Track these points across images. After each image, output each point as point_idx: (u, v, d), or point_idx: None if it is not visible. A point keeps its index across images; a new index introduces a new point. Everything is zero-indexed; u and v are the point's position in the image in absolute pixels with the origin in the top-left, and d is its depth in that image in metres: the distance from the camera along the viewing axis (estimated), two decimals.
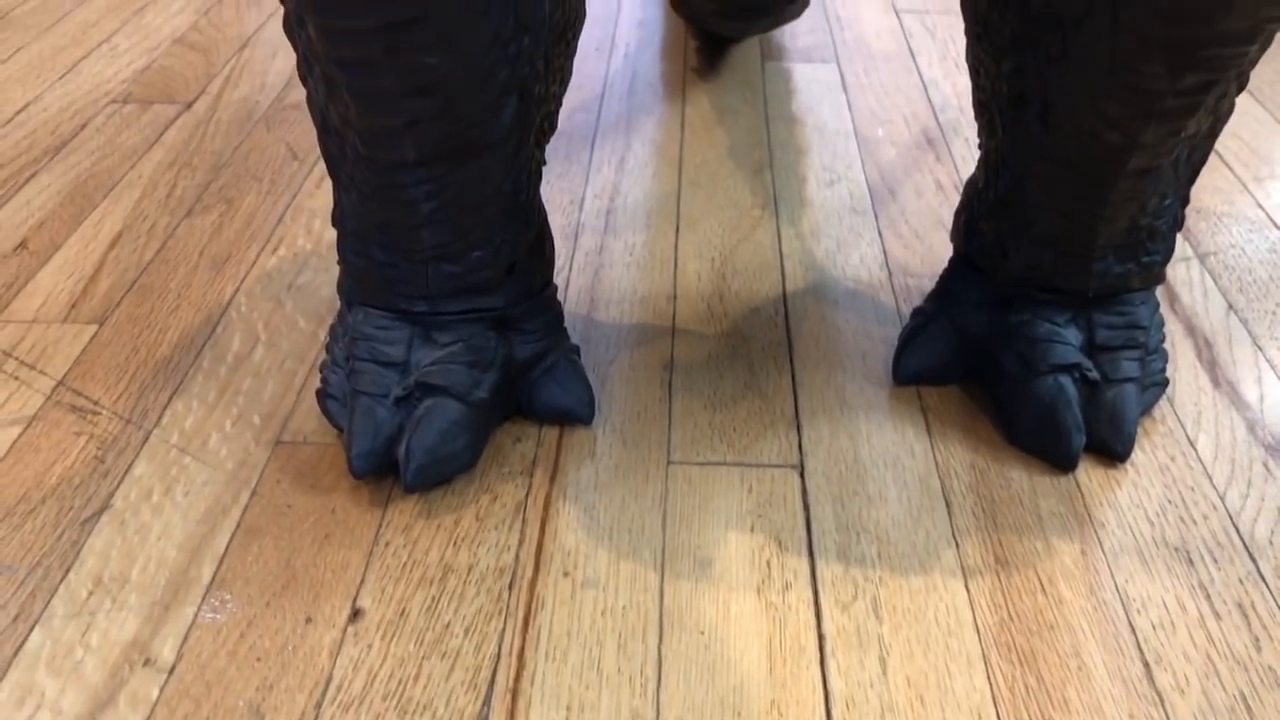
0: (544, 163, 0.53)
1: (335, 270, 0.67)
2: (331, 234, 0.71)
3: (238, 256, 0.68)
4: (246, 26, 1.01)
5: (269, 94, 0.89)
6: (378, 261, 0.51)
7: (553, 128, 0.51)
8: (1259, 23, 0.41)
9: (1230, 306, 0.64)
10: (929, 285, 0.66)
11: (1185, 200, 0.52)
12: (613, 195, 0.76)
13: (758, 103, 0.87)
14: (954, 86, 0.90)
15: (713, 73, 0.92)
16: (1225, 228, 0.72)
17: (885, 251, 0.69)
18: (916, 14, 1.03)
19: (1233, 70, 0.43)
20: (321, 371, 0.55)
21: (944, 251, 0.69)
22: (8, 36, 0.99)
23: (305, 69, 0.47)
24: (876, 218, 0.73)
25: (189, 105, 0.87)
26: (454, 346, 0.51)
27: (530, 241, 0.52)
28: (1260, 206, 0.74)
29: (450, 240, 0.49)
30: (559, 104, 0.51)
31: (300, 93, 0.89)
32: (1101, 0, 0.41)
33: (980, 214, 0.54)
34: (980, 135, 0.54)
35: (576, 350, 0.56)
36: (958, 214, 0.57)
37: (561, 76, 0.49)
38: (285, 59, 0.94)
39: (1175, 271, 0.67)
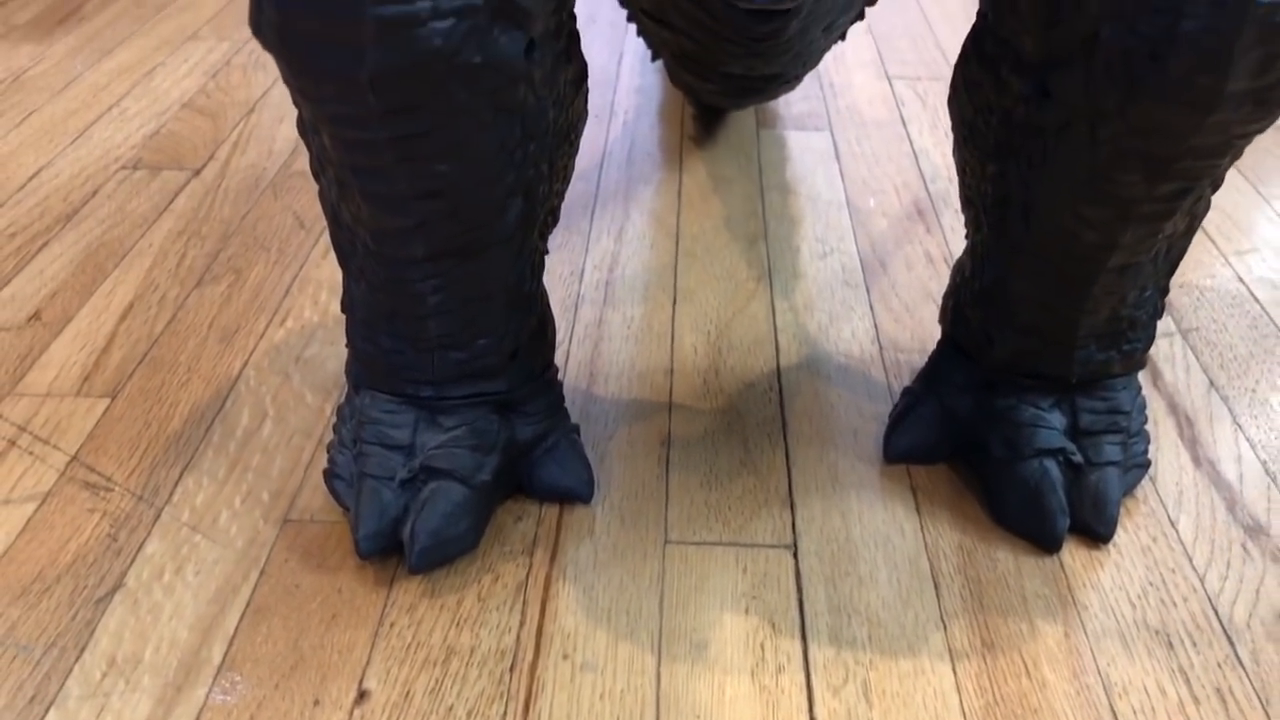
0: (546, 252, 0.55)
1: (341, 343, 0.69)
2: (337, 306, 0.73)
3: (246, 328, 0.70)
4: (253, 91, 1.03)
5: (276, 160, 0.91)
6: (385, 348, 0.53)
7: (555, 220, 0.53)
8: (1229, 139, 0.43)
9: (1211, 383, 0.66)
10: (918, 360, 0.68)
11: (1165, 290, 0.54)
12: (611, 266, 0.77)
13: (753, 172, 0.90)
14: (943, 156, 0.92)
15: (709, 140, 0.94)
16: (1207, 302, 0.74)
17: (876, 325, 0.71)
18: (908, 80, 1.05)
19: (1206, 179, 0.45)
20: (329, 452, 0.56)
21: (933, 326, 0.71)
22: (21, 99, 1.01)
23: (318, 168, 0.49)
24: (868, 291, 0.75)
25: (198, 172, 0.89)
26: (458, 430, 0.53)
27: (533, 327, 0.54)
28: (1241, 280, 0.76)
29: (456, 330, 0.51)
30: (562, 198, 0.53)
31: (305, 160, 0.91)
32: (1080, 114, 0.44)
33: (967, 301, 0.56)
34: (966, 226, 0.56)
35: (576, 429, 0.58)
36: (946, 297, 0.59)
37: (565, 174, 0.51)
38: (291, 124, 0.97)
39: (1158, 347, 0.69)
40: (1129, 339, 0.54)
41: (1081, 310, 0.51)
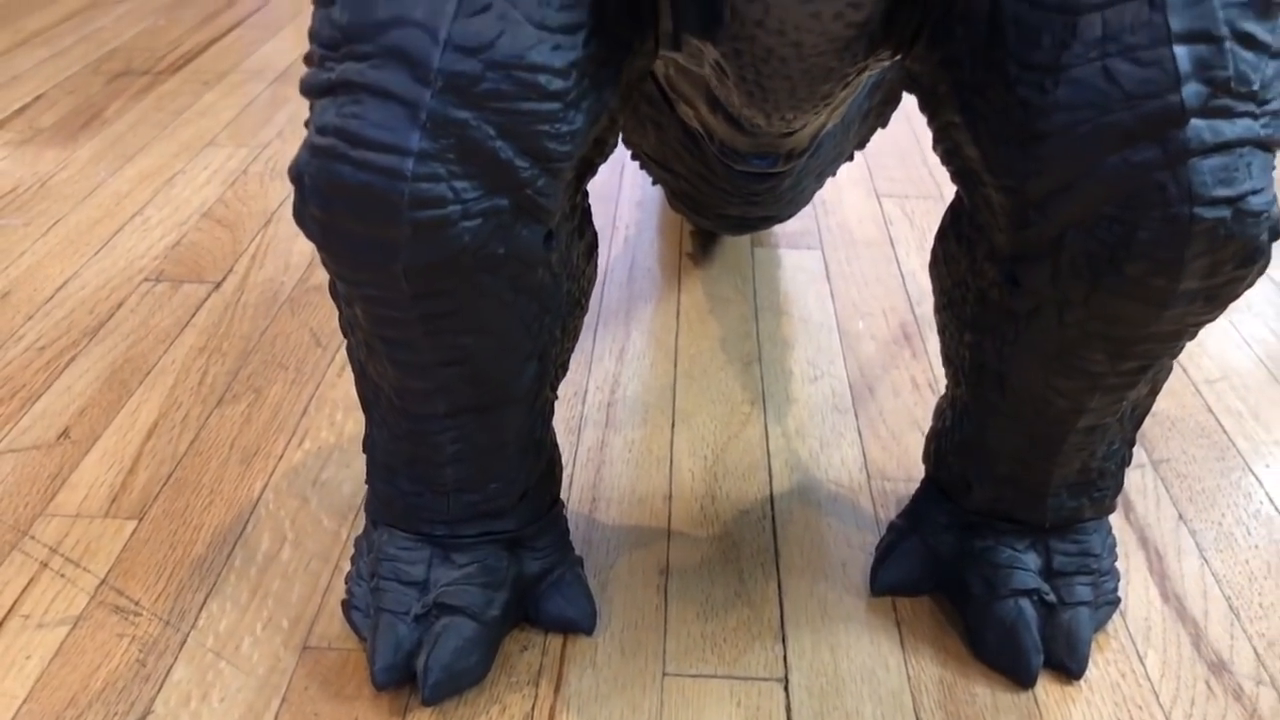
0: (556, 398, 0.58)
1: (355, 465, 0.73)
2: (351, 427, 0.76)
3: (265, 449, 0.74)
4: (270, 201, 1.08)
5: (292, 275, 0.95)
6: (404, 490, 0.56)
7: (565, 372, 0.57)
8: (1184, 327, 0.47)
9: (1180, 516, 0.70)
10: (903, 489, 0.71)
11: (1131, 442, 0.58)
12: (613, 387, 0.81)
13: (747, 292, 0.94)
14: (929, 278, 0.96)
15: (706, 259, 0.99)
16: (1178, 432, 0.78)
17: (865, 453, 0.75)
18: (896, 199, 1.10)
19: (1166, 356, 0.49)
20: (347, 583, 0.60)
21: (917, 454, 0.75)
22: (47, 207, 1.06)
23: (348, 328, 0.53)
24: (857, 416, 0.79)
25: (218, 285, 0.93)
26: (470, 568, 0.57)
27: (542, 469, 0.58)
28: (1210, 411, 0.80)
29: (471, 476, 0.55)
30: (571, 353, 0.57)
31: (321, 275, 0.95)
32: (1049, 301, 0.48)
33: (948, 449, 0.60)
34: (947, 379, 0.60)
35: (580, 563, 0.61)
36: (929, 440, 0.63)
37: (575, 333, 0.55)
38: (306, 238, 1.01)
39: (1130, 479, 0.73)
40: (1098, 487, 0.58)
41: (1054, 464, 0.55)
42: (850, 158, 0.83)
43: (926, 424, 0.78)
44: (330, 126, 0.43)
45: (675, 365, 0.84)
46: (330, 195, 0.43)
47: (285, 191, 1.10)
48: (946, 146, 0.50)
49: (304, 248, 0.99)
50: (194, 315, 0.89)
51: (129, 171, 1.13)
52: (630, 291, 0.94)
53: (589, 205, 0.54)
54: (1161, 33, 0.41)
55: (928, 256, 1.00)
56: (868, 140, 0.81)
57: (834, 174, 0.85)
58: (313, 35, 0.44)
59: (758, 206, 0.75)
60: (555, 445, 0.60)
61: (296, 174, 0.45)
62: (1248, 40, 0.41)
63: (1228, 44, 0.41)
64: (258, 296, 0.92)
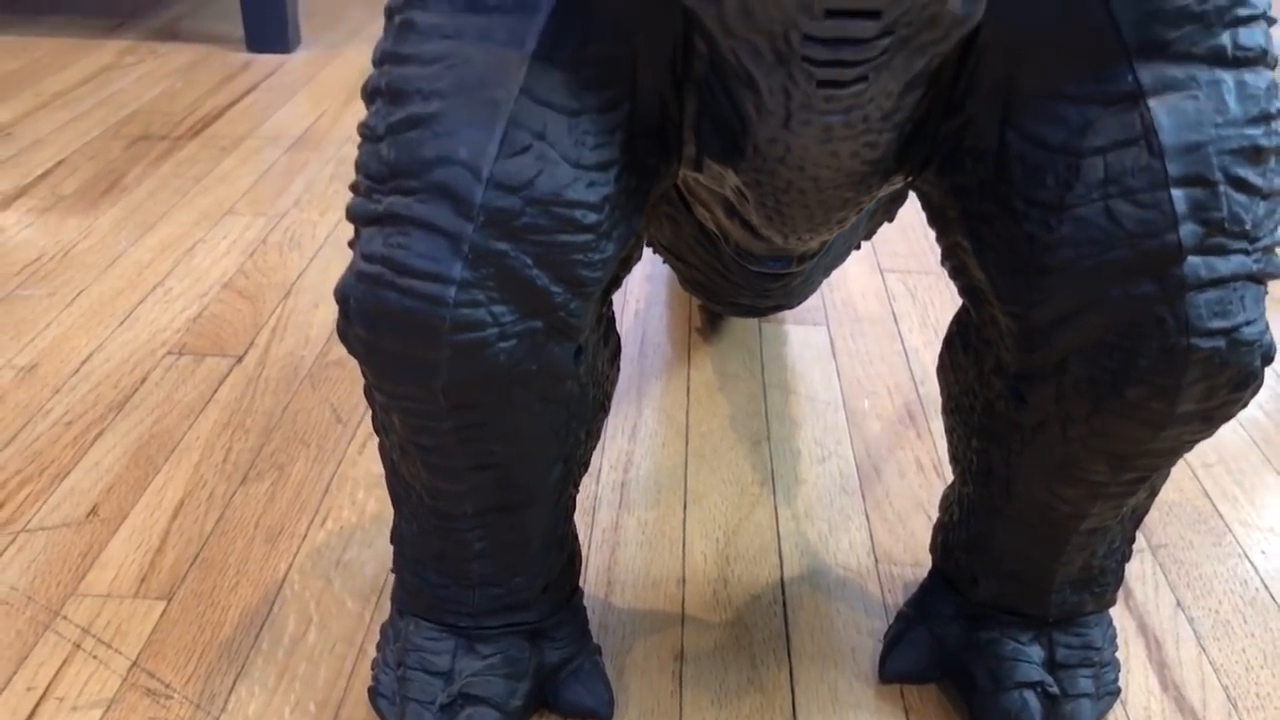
0: (577, 492, 0.61)
1: (376, 545, 0.75)
2: (372, 506, 0.78)
3: (289, 529, 0.76)
4: (289, 272, 1.10)
5: (312, 348, 0.97)
6: (431, 583, 0.58)
7: (586, 469, 0.60)
8: (1181, 444, 0.49)
9: (1178, 603, 0.72)
10: (910, 574, 0.74)
11: (1132, 540, 0.60)
12: (626, 467, 0.84)
13: (755, 369, 0.96)
14: (932, 355, 0.99)
15: (714, 334, 1.01)
16: (1175, 517, 0.80)
17: (872, 536, 0.77)
18: (899, 274, 1.13)
19: (1165, 467, 0.52)
20: (373, 670, 0.62)
21: (923, 538, 0.77)
22: (71, 277, 1.08)
23: (382, 431, 0.55)
24: (864, 499, 0.81)
25: (239, 359, 0.95)
26: (494, 658, 0.59)
27: (563, 562, 0.60)
28: (1206, 495, 0.82)
29: (497, 570, 0.57)
30: (593, 451, 0.59)
31: (338, 350, 0.97)
32: (1053, 418, 0.50)
33: (955, 543, 0.62)
34: (955, 476, 0.62)
35: (598, 651, 0.63)
36: (936, 531, 0.65)
37: (598, 434, 0.58)
38: (327, 310, 1.04)
39: (1130, 566, 0.75)
40: (1100, 583, 0.60)
41: (1058, 562, 0.57)
42: (858, 247, 0.86)
43: (932, 506, 0.80)
44: (377, 255, 0.45)
45: (686, 444, 0.87)
46: (376, 319, 0.46)
47: (303, 263, 1.12)
48: (954, 264, 0.53)
49: (323, 320, 1.02)
50: (217, 390, 0.91)
51: (150, 240, 1.16)
52: (642, 367, 0.96)
53: (613, 313, 0.57)
54: (1160, 177, 0.44)
55: (930, 333, 1.02)
56: (875, 231, 0.84)
57: (843, 263, 0.87)
58: (360, 167, 0.47)
59: (768, 298, 0.78)
60: (575, 538, 0.62)
61: (342, 296, 0.47)
62: (1240, 184, 0.44)
63: (1221, 188, 0.44)
64: (279, 371, 0.94)
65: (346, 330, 0.48)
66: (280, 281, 1.09)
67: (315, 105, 1.57)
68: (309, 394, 0.91)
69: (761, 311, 0.85)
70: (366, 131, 0.46)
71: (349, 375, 0.94)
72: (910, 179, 0.53)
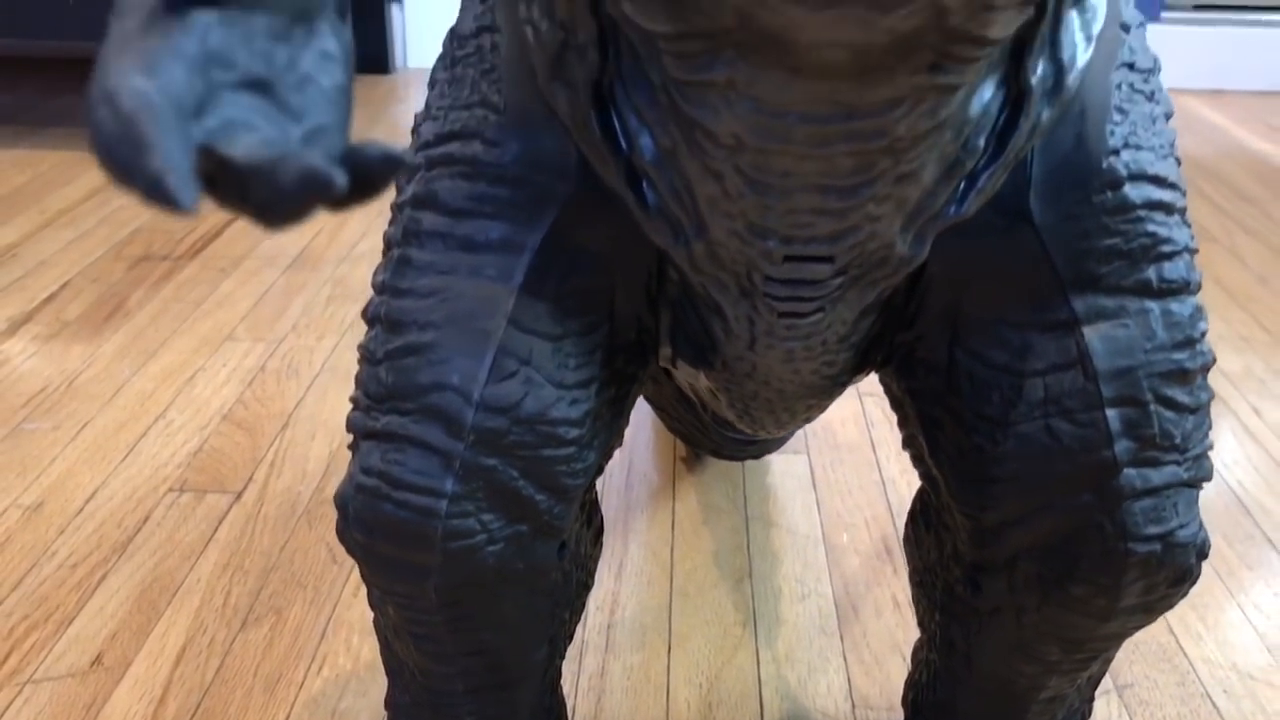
0: (562, 660, 0.64)
1: (371, 694, 0.77)
2: (366, 653, 0.81)
3: (287, 677, 0.79)
4: (287, 401, 1.14)
5: (309, 483, 1.01)
6: None
7: (571, 639, 0.63)
8: (1126, 630, 0.53)
9: None
10: (885, 719, 0.76)
11: (1090, 700, 0.63)
12: (612, 608, 0.87)
13: (738, 500, 1.00)
14: (909, 486, 1.02)
15: (699, 464, 1.05)
16: (1140, 656, 0.83)
17: (850, 680, 0.80)
18: (877, 398, 1.17)
19: (1115, 647, 0.55)
20: None
21: (898, 681, 0.80)
22: (75, 409, 1.12)
23: (377, 609, 0.58)
24: (842, 639, 0.84)
25: (238, 496, 0.99)
26: None
27: None
28: (1171, 632, 0.85)
29: None
30: (577, 624, 0.62)
31: (334, 486, 1.00)
32: (1007, 605, 0.54)
33: (924, 703, 0.65)
34: (923, 640, 0.65)
35: None
36: (907, 687, 0.68)
37: (582, 609, 0.61)
38: (323, 443, 1.07)
39: (1097, 707, 0.78)
40: None
41: None
42: None
43: (907, 645, 0.83)
44: (375, 469, 0.49)
45: (671, 582, 0.90)
46: (372, 527, 0.49)
47: (300, 391, 1.16)
48: (913, 452, 0.57)
49: (318, 454, 1.05)
50: (216, 529, 0.94)
51: (152, 369, 1.20)
52: (628, 500, 1.00)
53: (596, 496, 0.60)
54: (1095, 399, 0.48)
55: (906, 462, 1.06)
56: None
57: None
58: (359, 384, 0.51)
59: (748, 451, 0.81)
60: (562, 702, 0.65)
61: (342, 503, 0.51)
62: (1169, 403, 0.48)
63: (1152, 407, 0.48)
64: (277, 508, 0.97)
65: (345, 533, 0.51)
66: (278, 412, 1.12)
67: (311, 223, 1.62)
68: (306, 532, 0.94)
69: (742, 458, 0.88)
70: (366, 354, 0.50)
71: None
72: (871, 371, 0.57)
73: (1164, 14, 2.50)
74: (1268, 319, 1.39)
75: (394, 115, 2.19)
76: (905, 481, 1.03)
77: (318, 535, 0.94)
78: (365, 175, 0.27)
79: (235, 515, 0.96)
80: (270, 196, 0.25)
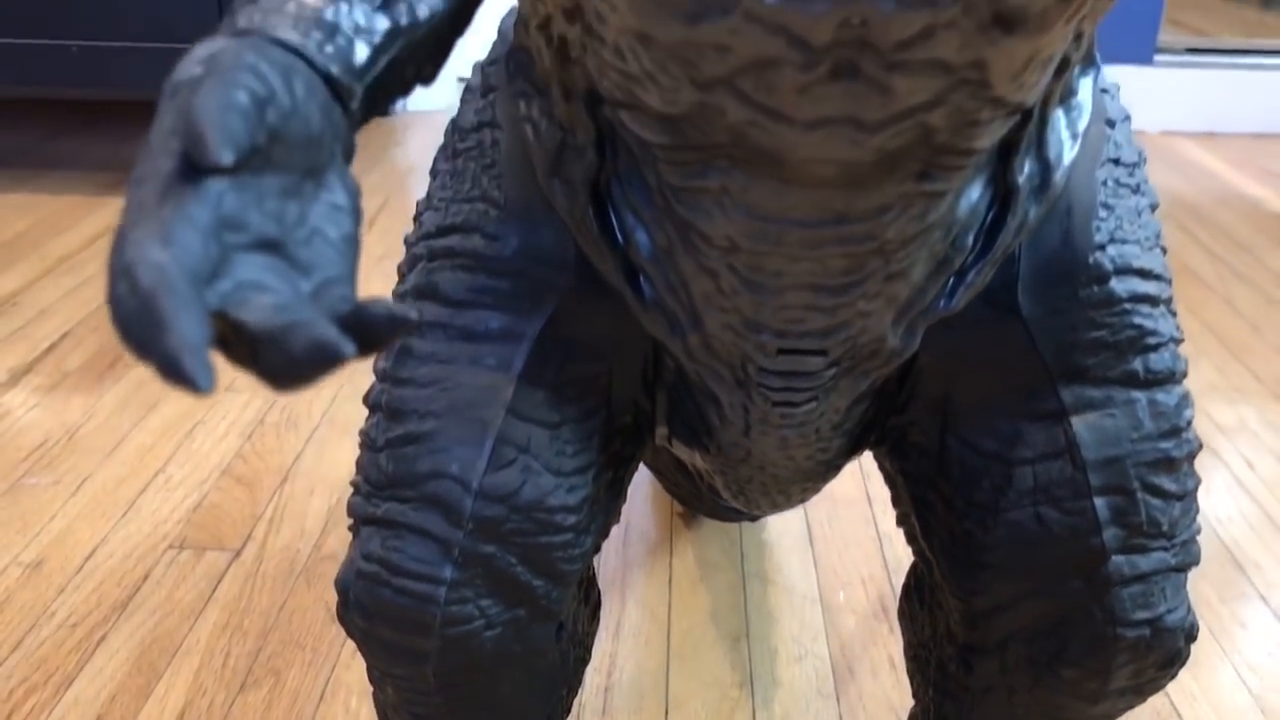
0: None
1: None
2: (364, 714, 0.82)
3: None
4: (286, 455, 1.14)
5: (308, 541, 1.01)
6: None
7: (569, 713, 0.63)
8: (1117, 711, 0.53)
9: None
10: None
11: None
12: (609, 670, 0.87)
13: (735, 556, 1.00)
14: (905, 543, 1.03)
15: (696, 520, 1.06)
16: (1135, 715, 0.83)
17: None
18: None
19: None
20: None
21: None
22: (75, 463, 1.12)
23: (377, 685, 0.59)
24: (838, 701, 0.84)
25: (238, 553, 0.99)
26: None
27: None
28: (1165, 693, 0.86)
29: None
30: (574, 699, 0.63)
31: (335, 541, 1.01)
32: (999, 685, 0.54)
33: None
34: (916, 708, 0.66)
35: None
36: None
37: (579, 684, 0.62)
38: (321, 498, 1.08)
39: None
40: None
41: None
42: None
43: (903, 709, 0.83)
44: (375, 555, 0.50)
45: (668, 642, 0.90)
46: (373, 612, 0.50)
47: (300, 444, 1.17)
48: (907, 530, 0.57)
49: (317, 510, 1.06)
50: (216, 587, 0.95)
51: (152, 421, 1.20)
52: (625, 558, 1.00)
53: (594, 572, 0.61)
54: (1083, 488, 0.49)
55: None
56: None
57: None
58: (360, 469, 0.51)
59: (744, 517, 0.82)
60: None
61: (343, 587, 0.51)
62: (1156, 491, 0.49)
63: (1139, 495, 0.49)
64: (275, 566, 0.98)
65: (345, 617, 0.52)
66: (277, 466, 1.13)
67: None
68: (304, 591, 0.95)
69: (739, 520, 0.89)
70: (367, 441, 0.51)
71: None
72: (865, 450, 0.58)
73: (1157, 57, 2.53)
74: (1261, 369, 1.40)
75: (392, 158, 2.20)
76: (901, 537, 1.04)
77: (316, 594, 0.94)
78: (370, 333, 0.28)
79: (235, 573, 0.97)
80: (280, 363, 0.26)
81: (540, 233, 0.48)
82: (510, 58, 0.48)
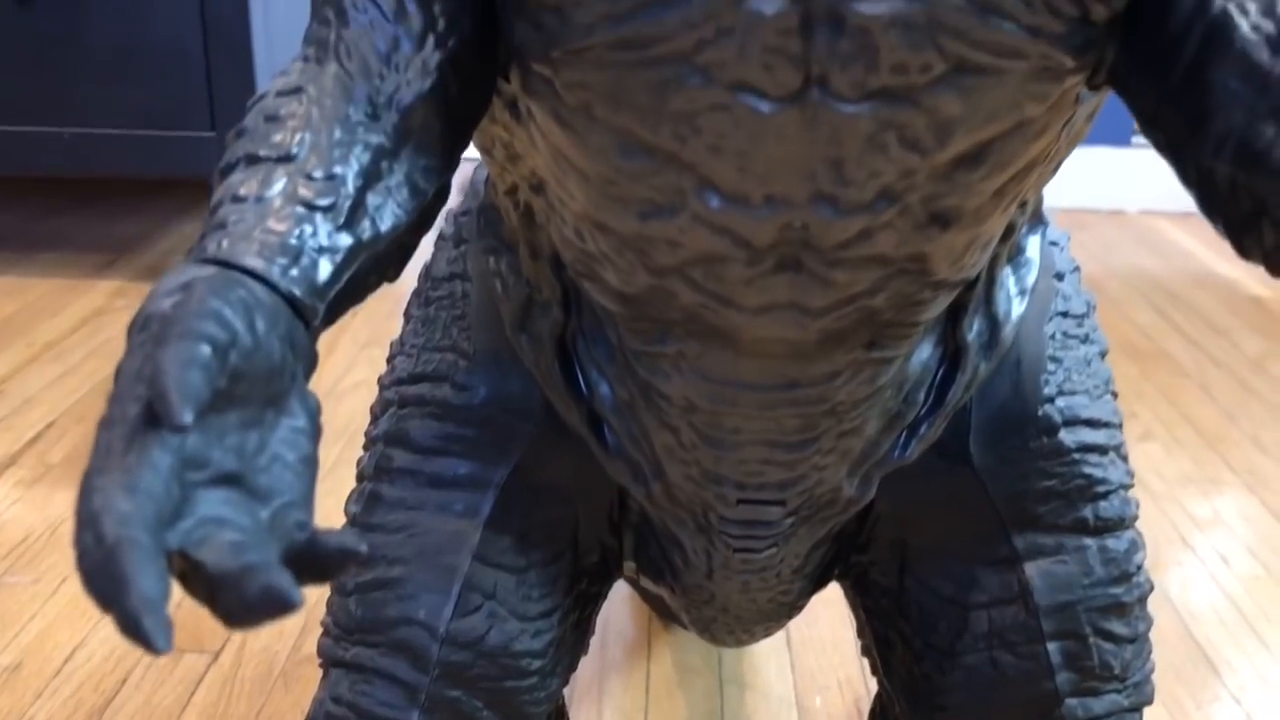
0: None
1: None
2: None
3: None
4: None
5: (286, 642, 1.01)
6: None
7: None
8: None
9: None
10: None
11: None
12: None
13: (713, 660, 1.01)
14: None
15: (674, 622, 1.06)
16: None
17: None
18: None
19: None
20: None
21: None
22: (55, 561, 1.13)
23: None
24: None
25: (216, 656, 0.99)
26: None
27: None
28: None
29: None
30: None
31: (312, 643, 1.01)
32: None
33: None
34: None
35: None
36: None
37: None
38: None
39: None
40: None
41: None
42: None
43: None
44: (344, 699, 0.50)
45: None
46: None
47: None
48: (870, 662, 0.58)
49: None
50: (194, 692, 0.95)
51: None
52: (603, 661, 1.01)
53: (564, 703, 0.62)
54: (1036, 633, 0.50)
55: None
56: None
57: None
58: (330, 611, 0.52)
59: None
60: None
61: None
62: (1108, 635, 0.50)
63: (1091, 640, 0.50)
64: (254, 669, 0.98)
65: None
66: None
67: None
68: (282, 695, 0.95)
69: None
70: (337, 584, 0.52)
71: (320, 674, 0.98)
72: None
73: (1134, 138, 2.58)
74: (1236, 459, 1.41)
75: None
76: None
77: (293, 699, 0.94)
78: (321, 564, 0.29)
79: (213, 677, 0.97)
80: (234, 606, 0.27)
81: (508, 382, 0.50)
82: (481, 213, 0.50)
